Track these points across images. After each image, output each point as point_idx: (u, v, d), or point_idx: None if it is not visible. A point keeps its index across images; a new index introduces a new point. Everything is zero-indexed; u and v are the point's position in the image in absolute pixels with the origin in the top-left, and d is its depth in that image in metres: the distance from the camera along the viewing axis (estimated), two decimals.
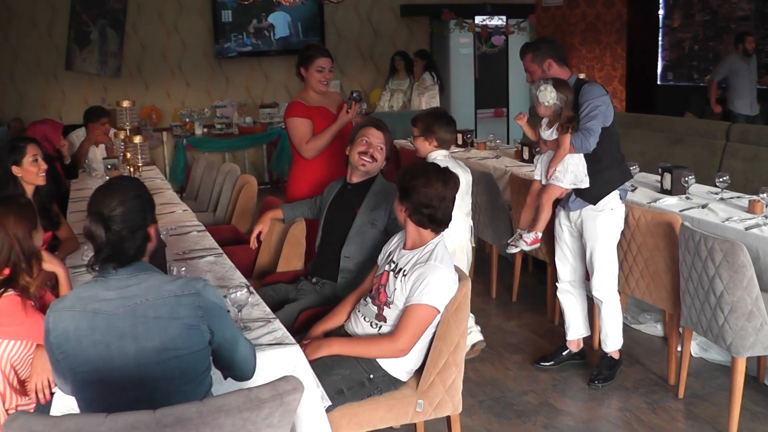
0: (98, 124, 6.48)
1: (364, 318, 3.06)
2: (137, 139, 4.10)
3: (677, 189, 4.84)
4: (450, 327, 2.92)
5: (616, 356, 4.25)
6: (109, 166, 5.77)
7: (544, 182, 4.10)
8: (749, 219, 4.18)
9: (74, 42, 9.72)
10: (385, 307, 2.97)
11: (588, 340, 4.57)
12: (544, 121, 4.00)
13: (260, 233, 4.14)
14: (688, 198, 4.75)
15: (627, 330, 4.63)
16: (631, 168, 4.69)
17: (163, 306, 2.13)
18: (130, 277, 2.19)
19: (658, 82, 12.65)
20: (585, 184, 3.99)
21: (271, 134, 9.97)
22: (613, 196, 4.05)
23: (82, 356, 2.10)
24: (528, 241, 4.18)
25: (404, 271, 2.96)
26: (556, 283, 4.46)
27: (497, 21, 11.55)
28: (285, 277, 3.98)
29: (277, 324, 2.75)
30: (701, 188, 5.02)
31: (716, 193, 4.84)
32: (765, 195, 4.30)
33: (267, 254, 4.26)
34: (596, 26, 8.45)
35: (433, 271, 2.87)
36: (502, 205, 5.56)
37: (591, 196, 4.04)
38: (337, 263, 3.74)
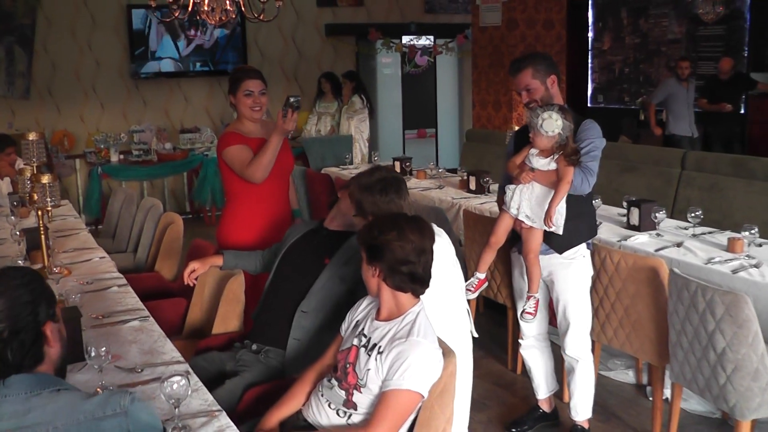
0: (3, 154, 5.76)
1: (329, 404, 2.49)
2: (46, 179, 3.44)
3: (646, 225, 4.48)
4: (434, 412, 2.41)
5: (587, 426, 3.77)
6: (15, 203, 5.10)
7: (522, 218, 3.50)
8: (732, 260, 3.84)
9: None
10: (354, 391, 2.42)
11: (558, 393, 4.15)
12: (535, 150, 3.45)
13: (194, 270, 3.40)
14: (659, 235, 4.40)
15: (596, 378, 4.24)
16: (594, 201, 4.32)
17: None
18: (30, 398, 1.62)
19: (588, 105, 12.55)
20: (559, 230, 3.47)
21: (193, 161, 9.27)
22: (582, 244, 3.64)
23: None
24: (531, 311, 3.62)
25: (380, 347, 2.41)
26: (520, 340, 3.97)
27: (425, 41, 11.26)
28: (218, 342, 3.34)
29: (224, 419, 2.19)
30: (669, 223, 4.67)
31: (686, 229, 4.51)
32: (746, 233, 3.98)
33: (198, 310, 3.64)
34: (536, 48, 8.12)
35: (415, 349, 2.35)
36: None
37: (558, 244, 3.56)
38: (286, 320, 3.09)
